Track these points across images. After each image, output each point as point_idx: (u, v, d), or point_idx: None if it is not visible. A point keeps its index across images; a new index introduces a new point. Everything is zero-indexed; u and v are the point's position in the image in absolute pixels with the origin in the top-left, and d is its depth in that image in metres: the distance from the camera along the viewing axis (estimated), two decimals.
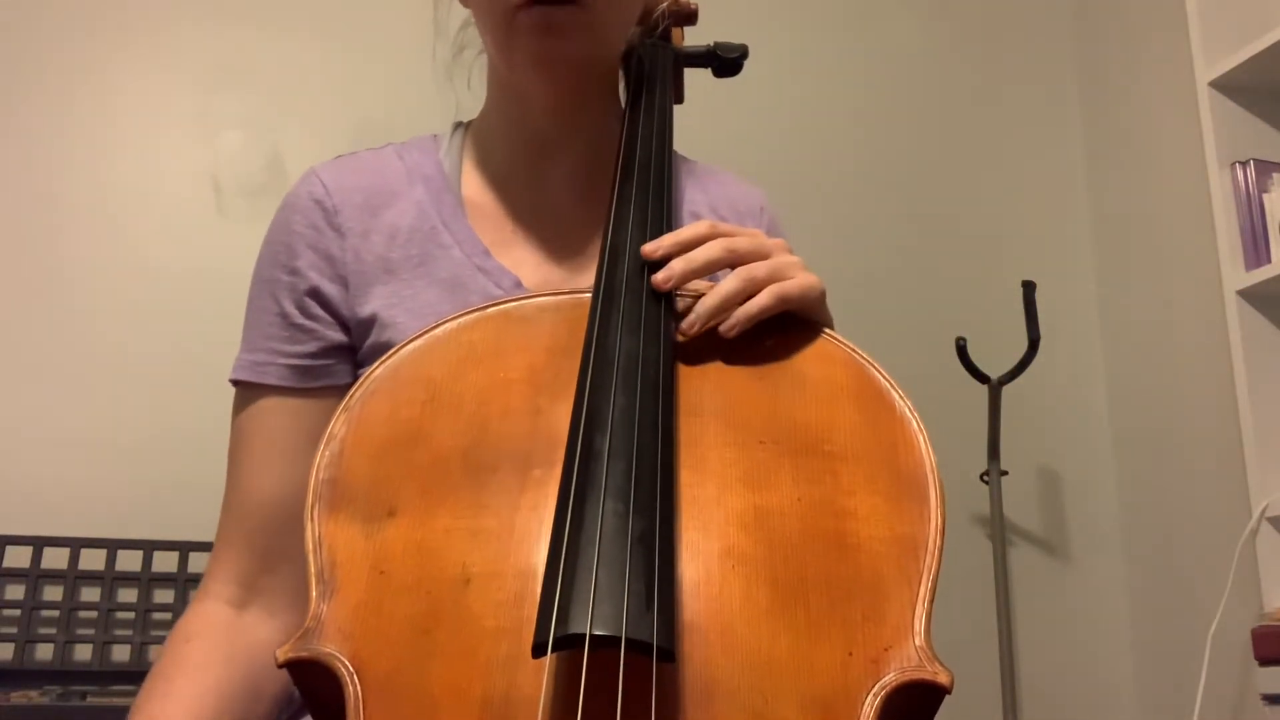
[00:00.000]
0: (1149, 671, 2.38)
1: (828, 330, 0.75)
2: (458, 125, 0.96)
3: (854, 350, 0.73)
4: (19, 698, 1.66)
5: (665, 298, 0.72)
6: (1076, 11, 2.78)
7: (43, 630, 1.80)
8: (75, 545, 1.82)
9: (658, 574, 0.55)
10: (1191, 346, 2.33)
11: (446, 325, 0.73)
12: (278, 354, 0.84)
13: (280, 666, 0.57)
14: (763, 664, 0.56)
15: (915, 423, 0.68)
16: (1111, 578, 2.47)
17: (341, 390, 0.80)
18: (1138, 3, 2.58)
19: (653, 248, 0.74)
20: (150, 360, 1.97)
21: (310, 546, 0.61)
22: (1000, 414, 2.28)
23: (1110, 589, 2.46)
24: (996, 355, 2.28)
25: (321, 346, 0.84)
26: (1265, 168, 2.13)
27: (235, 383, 0.85)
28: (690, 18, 1.00)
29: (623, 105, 0.93)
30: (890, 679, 0.56)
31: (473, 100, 0.97)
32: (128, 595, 1.84)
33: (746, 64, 1.01)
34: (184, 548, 1.84)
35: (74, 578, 1.81)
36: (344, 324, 0.85)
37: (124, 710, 0.75)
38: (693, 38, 1.02)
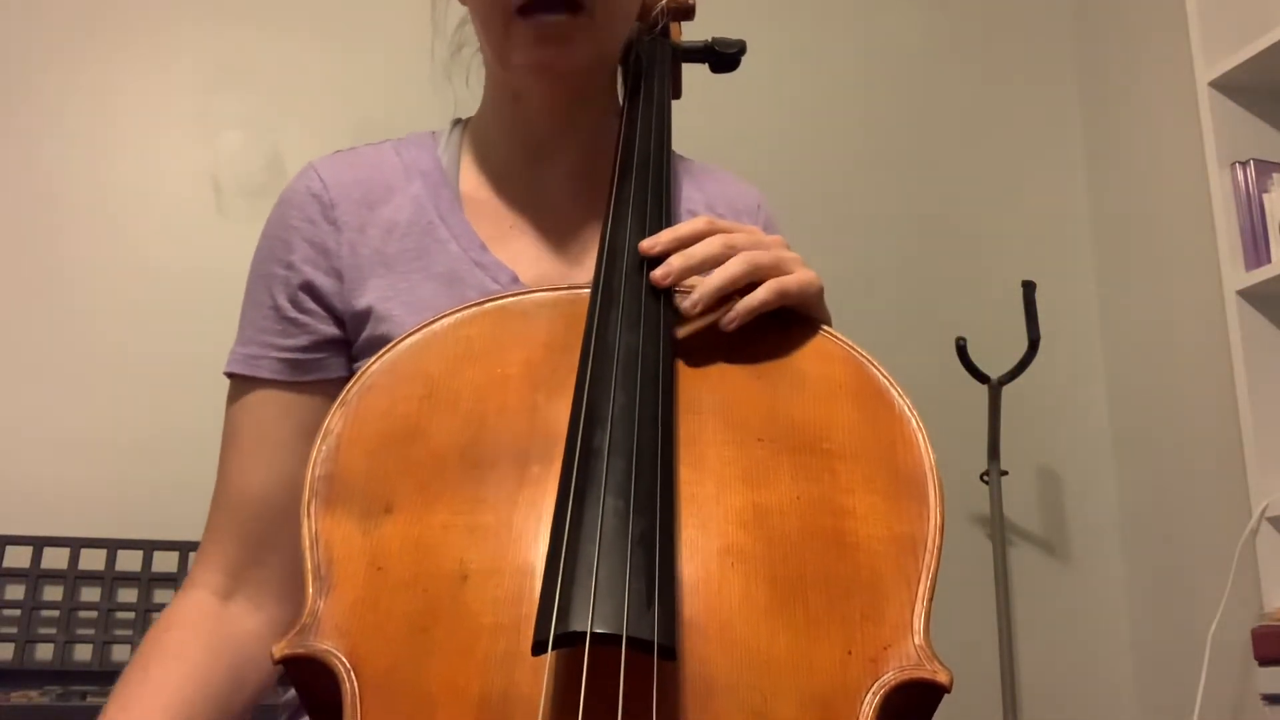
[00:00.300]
0: (1149, 671, 2.38)
1: (826, 328, 0.75)
2: (456, 122, 0.97)
3: (853, 348, 0.73)
4: (19, 698, 1.66)
5: (664, 294, 0.72)
6: (1076, 11, 2.77)
7: (43, 630, 1.80)
8: (75, 545, 1.82)
9: (658, 572, 0.54)
10: (1191, 346, 2.33)
11: (444, 320, 0.73)
12: (271, 347, 0.84)
13: (276, 663, 0.57)
14: (762, 662, 0.56)
15: (914, 421, 0.68)
16: (1111, 578, 2.47)
17: (334, 384, 0.81)
18: (1138, 3, 2.58)
19: (651, 243, 0.73)
20: (150, 360, 1.97)
21: (307, 543, 0.61)
22: (1000, 414, 2.27)
23: (1110, 589, 2.46)
24: (996, 355, 2.28)
25: (313, 340, 0.84)
26: (1265, 168, 2.13)
27: (229, 375, 0.86)
28: (688, 13, 0.99)
29: (621, 101, 0.93)
30: (889, 677, 0.56)
31: (471, 98, 0.97)
32: (128, 595, 1.84)
33: (745, 63, 1.01)
34: (184, 548, 1.84)
35: (74, 578, 1.81)
36: (338, 318, 0.85)
37: None
38: (690, 33, 1.02)
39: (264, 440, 0.83)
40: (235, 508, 0.83)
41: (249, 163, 2.13)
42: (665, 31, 0.98)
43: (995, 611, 2.23)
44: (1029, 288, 2.30)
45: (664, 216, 0.79)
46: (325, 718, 0.57)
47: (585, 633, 0.51)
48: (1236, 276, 2.10)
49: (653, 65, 0.92)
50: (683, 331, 0.72)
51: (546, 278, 0.86)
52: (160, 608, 1.83)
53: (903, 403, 0.69)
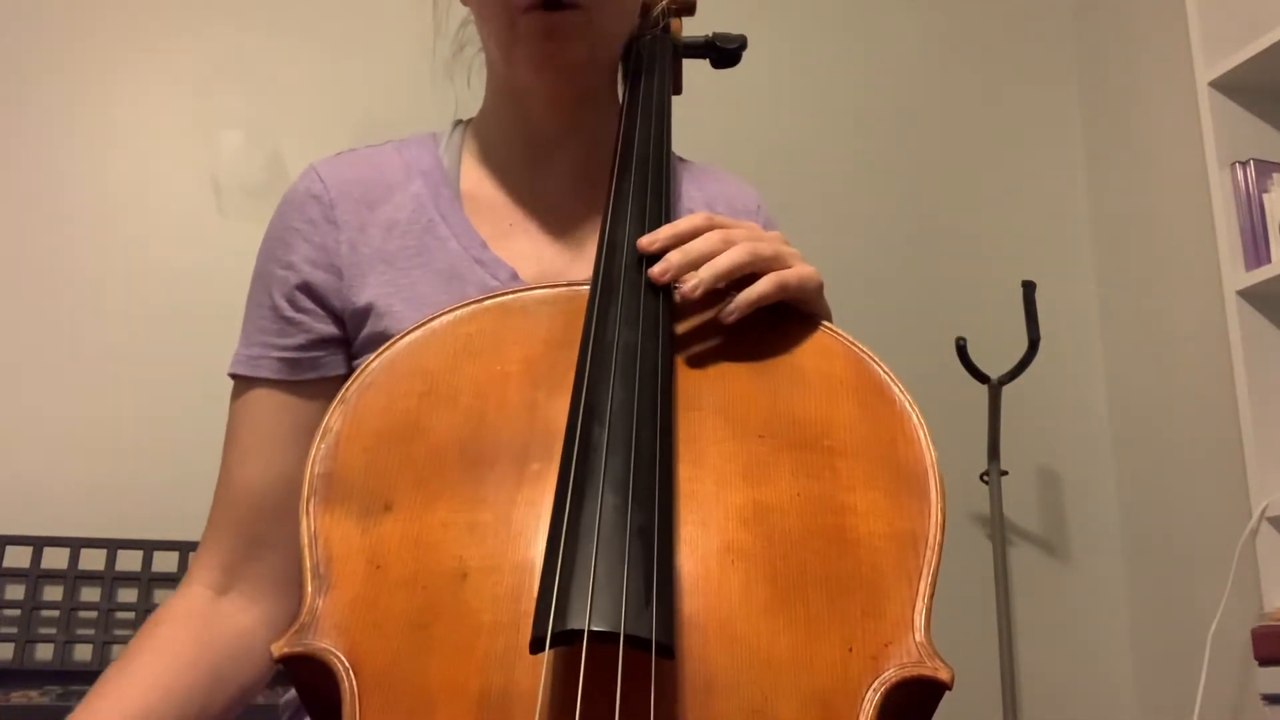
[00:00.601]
0: (1149, 671, 2.38)
1: (826, 323, 0.75)
2: (457, 123, 0.97)
3: (853, 343, 0.73)
4: (19, 698, 1.65)
5: (663, 290, 0.72)
6: (1076, 11, 2.77)
7: (43, 630, 1.80)
8: (75, 545, 1.82)
9: (656, 569, 0.54)
10: (1191, 346, 2.33)
11: (443, 318, 0.73)
12: (270, 347, 0.84)
13: (276, 662, 0.57)
14: (762, 660, 0.56)
15: (915, 417, 0.68)
16: (1111, 578, 2.47)
17: (333, 383, 0.81)
18: (1138, 3, 2.58)
19: (649, 240, 0.73)
20: (150, 360, 1.97)
21: (306, 541, 0.61)
22: (1000, 414, 2.27)
23: (1110, 589, 2.46)
24: (996, 355, 2.28)
25: (311, 339, 0.84)
26: (1265, 168, 2.13)
27: (232, 376, 0.86)
28: (689, 8, 0.99)
29: (621, 98, 0.93)
30: (890, 675, 0.56)
31: (472, 98, 0.97)
32: (128, 595, 1.84)
33: (745, 62, 1.01)
34: (184, 548, 1.84)
35: (74, 578, 1.81)
36: (336, 316, 0.85)
37: None
38: (691, 29, 1.02)
39: (263, 438, 0.83)
40: (233, 505, 0.83)
41: (249, 163, 2.13)
42: (666, 27, 0.98)
43: (995, 611, 2.22)
44: (1029, 288, 2.30)
45: (663, 212, 0.79)
46: (325, 716, 0.57)
47: (583, 630, 0.51)
48: (1236, 276, 2.10)
49: (653, 61, 0.92)
50: (682, 328, 0.72)
51: (546, 275, 0.86)
52: None
53: (903, 399, 0.69)
